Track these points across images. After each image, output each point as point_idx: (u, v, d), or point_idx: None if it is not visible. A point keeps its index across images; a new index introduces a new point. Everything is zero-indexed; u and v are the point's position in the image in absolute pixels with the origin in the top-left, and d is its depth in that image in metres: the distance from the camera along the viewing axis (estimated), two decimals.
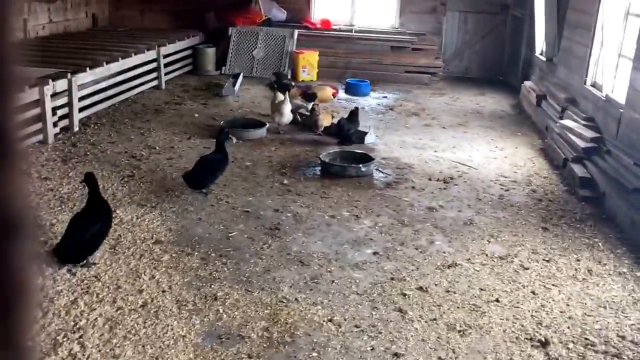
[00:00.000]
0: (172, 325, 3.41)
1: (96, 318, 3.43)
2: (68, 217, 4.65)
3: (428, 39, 11.31)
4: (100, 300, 3.61)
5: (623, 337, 3.51)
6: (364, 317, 3.60)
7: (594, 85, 7.16)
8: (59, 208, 4.84)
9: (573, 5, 8.06)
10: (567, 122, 6.83)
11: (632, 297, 3.97)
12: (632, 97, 5.82)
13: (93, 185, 4.13)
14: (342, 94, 9.64)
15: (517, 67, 10.80)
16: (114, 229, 4.46)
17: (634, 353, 3.38)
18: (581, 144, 6.18)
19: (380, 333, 3.45)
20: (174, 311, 3.55)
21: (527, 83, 9.47)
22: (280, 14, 11.43)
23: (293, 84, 8.74)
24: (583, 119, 6.78)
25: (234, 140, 5.77)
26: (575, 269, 4.31)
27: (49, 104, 6.32)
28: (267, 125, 7.19)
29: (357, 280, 4.02)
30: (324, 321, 3.53)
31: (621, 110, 6.02)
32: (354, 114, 7.17)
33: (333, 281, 3.99)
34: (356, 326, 3.51)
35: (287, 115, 7.12)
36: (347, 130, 6.93)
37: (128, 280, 3.85)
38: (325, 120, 7.17)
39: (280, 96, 7.19)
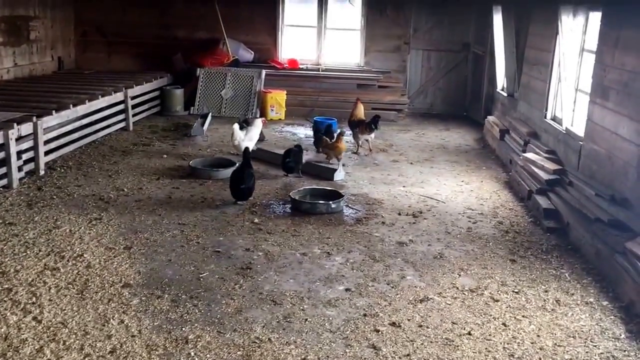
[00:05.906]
0: None
1: None
2: (33, 262, 4.57)
3: (393, 76, 11.58)
4: (67, 347, 3.51)
5: None
6: (337, 355, 3.58)
7: (554, 119, 7.42)
8: (24, 254, 4.73)
9: (531, 43, 8.39)
10: (529, 155, 7.03)
11: (600, 326, 4.04)
12: (590, 130, 6.04)
13: (246, 155, 6.36)
14: (310, 131, 9.75)
15: (480, 102, 11.11)
16: (81, 274, 4.43)
17: None
18: (544, 176, 6.36)
19: None
20: (144, 356, 3.47)
21: (490, 118, 9.74)
22: (248, 55, 11.58)
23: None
24: (545, 152, 6.98)
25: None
26: (544, 300, 4.38)
27: (13, 148, 6.24)
28: (237, 164, 7.21)
29: (330, 318, 4.00)
30: None
31: (581, 143, 6.23)
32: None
33: (306, 319, 3.97)
34: None
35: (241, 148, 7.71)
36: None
37: (96, 325, 3.77)
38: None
39: (236, 137, 7.58)
